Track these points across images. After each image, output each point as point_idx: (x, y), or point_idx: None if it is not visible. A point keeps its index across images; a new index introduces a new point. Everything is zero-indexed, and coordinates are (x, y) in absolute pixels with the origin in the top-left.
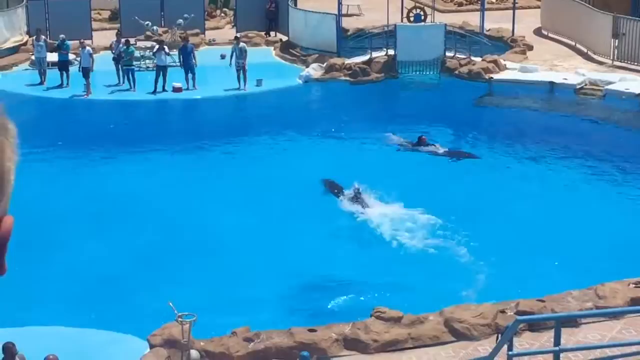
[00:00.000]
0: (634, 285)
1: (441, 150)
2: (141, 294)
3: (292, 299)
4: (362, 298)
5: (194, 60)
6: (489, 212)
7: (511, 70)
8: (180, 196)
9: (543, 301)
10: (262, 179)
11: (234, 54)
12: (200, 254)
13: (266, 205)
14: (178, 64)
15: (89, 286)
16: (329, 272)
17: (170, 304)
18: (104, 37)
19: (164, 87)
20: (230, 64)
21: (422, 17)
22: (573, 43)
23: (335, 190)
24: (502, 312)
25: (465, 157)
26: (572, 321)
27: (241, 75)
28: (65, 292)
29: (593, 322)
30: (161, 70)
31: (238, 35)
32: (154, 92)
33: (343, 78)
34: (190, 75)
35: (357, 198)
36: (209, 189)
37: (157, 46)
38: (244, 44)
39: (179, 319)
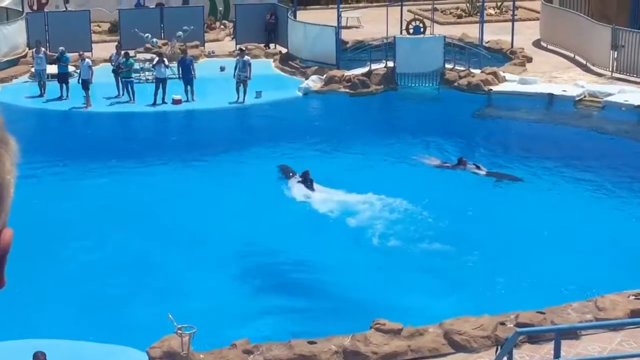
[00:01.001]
0: (633, 297)
1: (483, 172)
2: (140, 306)
3: (292, 312)
4: (361, 309)
5: (193, 73)
6: (489, 223)
7: (510, 82)
8: (180, 208)
9: (543, 313)
10: (263, 191)
11: (238, 66)
12: (200, 265)
13: (267, 217)
14: (177, 76)
15: (87, 298)
16: (328, 283)
17: (170, 316)
18: (103, 49)
19: (163, 99)
20: (234, 75)
21: (422, 30)
22: (572, 55)
23: (290, 175)
24: (502, 324)
25: (505, 178)
26: (572, 333)
27: (241, 88)
28: (63, 305)
29: (593, 334)
30: (160, 82)
31: (242, 47)
32: (154, 104)
33: (342, 90)
34: (189, 87)
35: (305, 182)
36: (208, 201)
37: (156, 59)
38: (248, 57)
39: (179, 331)
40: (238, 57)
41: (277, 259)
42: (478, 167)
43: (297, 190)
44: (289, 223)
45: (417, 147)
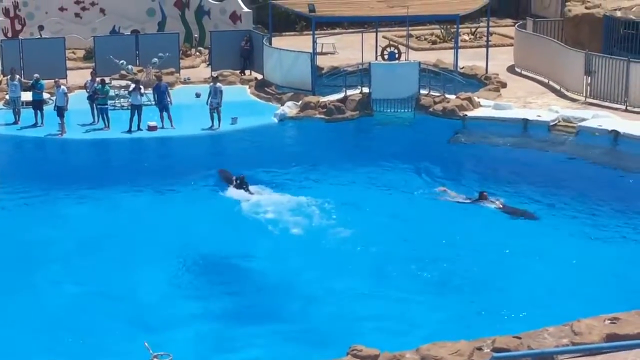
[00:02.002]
0: (609, 322)
1: (500, 206)
2: (116, 334)
3: (264, 337)
4: (336, 335)
5: (168, 99)
6: (464, 247)
7: (485, 107)
8: (155, 235)
9: (519, 338)
10: (237, 217)
11: (210, 93)
12: (175, 293)
13: (245, 242)
14: (153, 102)
15: (62, 326)
16: (301, 307)
17: (146, 344)
18: (78, 76)
19: (139, 126)
20: (207, 102)
21: (396, 55)
22: (546, 80)
23: (229, 179)
24: (479, 349)
25: (521, 215)
26: (548, 358)
27: (215, 115)
28: (37, 333)
29: (569, 358)
30: (136, 109)
31: (214, 74)
32: (129, 130)
33: (318, 116)
34: (165, 113)
35: (241, 185)
36: (184, 227)
37: (132, 85)
38: (220, 84)
39: (155, 359)
40: (211, 84)
41: (247, 283)
42: (496, 202)
43: (235, 193)
44: (259, 247)
45: (394, 173)
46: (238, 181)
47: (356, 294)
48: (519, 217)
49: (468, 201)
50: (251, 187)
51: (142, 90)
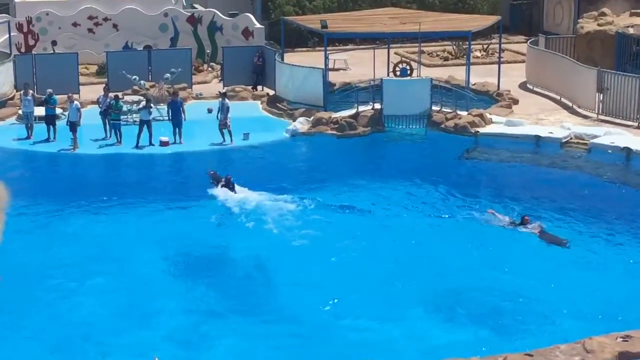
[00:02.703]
0: (621, 339)
1: (538, 232)
2: (126, 348)
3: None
4: (349, 348)
5: (183, 115)
6: (477, 265)
7: (497, 124)
8: (165, 250)
9: (531, 355)
10: (248, 231)
11: (220, 109)
12: (183, 306)
13: (258, 260)
14: (166, 118)
15: (70, 340)
16: (310, 320)
17: (156, 358)
18: (91, 91)
19: (150, 141)
20: (218, 117)
21: (408, 72)
22: (558, 97)
23: (216, 181)
24: None
25: (555, 243)
26: None
27: (225, 131)
28: (45, 345)
29: None
30: (145, 124)
31: (223, 90)
32: (137, 146)
33: (330, 132)
34: (177, 129)
35: (227, 185)
36: (193, 243)
37: (143, 102)
38: (228, 101)
39: None
40: (220, 100)
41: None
42: (535, 227)
43: (221, 192)
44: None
45: (407, 189)
46: (224, 181)
47: (365, 311)
48: (554, 245)
49: (511, 226)
50: (237, 187)
51: (151, 110)
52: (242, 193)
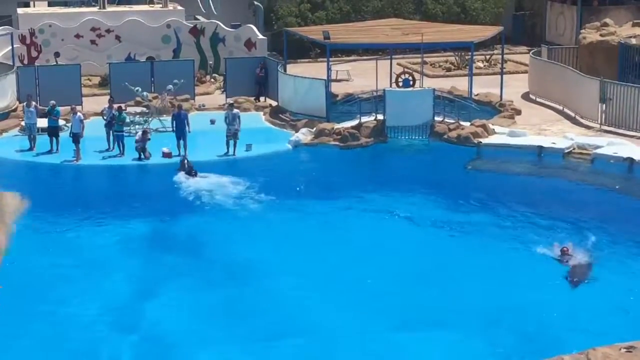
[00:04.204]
0: (625, 350)
1: (568, 263)
2: None
3: None
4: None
5: (187, 127)
6: (479, 274)
7: (500, 134)
8: (166, 262)
9: None
10: (248, 247)
11: (228, 119)
12: (183, 318)
13: (266, 273)
14: (169, 129)
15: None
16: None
17: None
18: (94, 102)
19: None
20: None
21: (411, 82)
22: (561, 107)
23: (186, 169)
24: None
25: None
26: None
27: (231, 141)
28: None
29: None
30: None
31: (231, 101)
32: (139, 158)
33: (332, 143)
34: (181, 141)
35: (190, 171)
36: (199, 256)
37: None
38: (237, 110)
39: None
40: (227, 111)
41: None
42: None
43: (183, 176)
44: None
45: (410, 199)
46: (187, 167)
47: (371, 312)
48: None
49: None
50: (200, 174)
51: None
52: (202, 177)
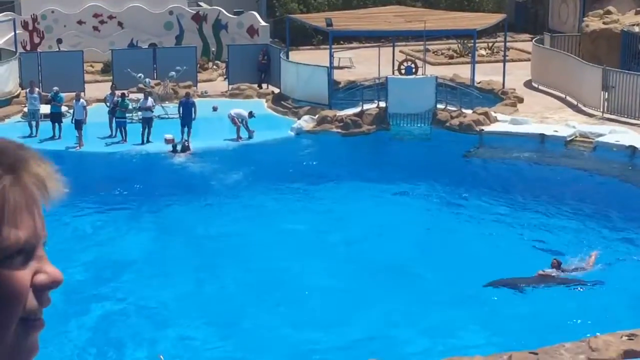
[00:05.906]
0: (627, 338)
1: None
2: (132, 347)
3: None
4: (352, 346)
5: (194, 115)
6: (484, 261)
7: (502, 122)
8: (169, 250)
9: (536, 353)
10: (253, 232)
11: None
12: (189, 308)
13: (266, 262)
14: (172, 115)
15: (80, 341)
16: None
17: (161, 357)
18: (96, 89)
19: (148, 138)
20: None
21: (413, 70)
22: (563, 95)
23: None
24: None
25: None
26: None
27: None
28: (53, 345)
29: None
30: (147, 122)
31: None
32: (142, 143)
33: (334, 130)
34: (186, 129)
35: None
36: (201, 243)
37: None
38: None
39: None
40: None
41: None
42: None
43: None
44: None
45: (410, 186)
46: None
47: (369, 301)
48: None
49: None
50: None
51: (153, 104)
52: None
